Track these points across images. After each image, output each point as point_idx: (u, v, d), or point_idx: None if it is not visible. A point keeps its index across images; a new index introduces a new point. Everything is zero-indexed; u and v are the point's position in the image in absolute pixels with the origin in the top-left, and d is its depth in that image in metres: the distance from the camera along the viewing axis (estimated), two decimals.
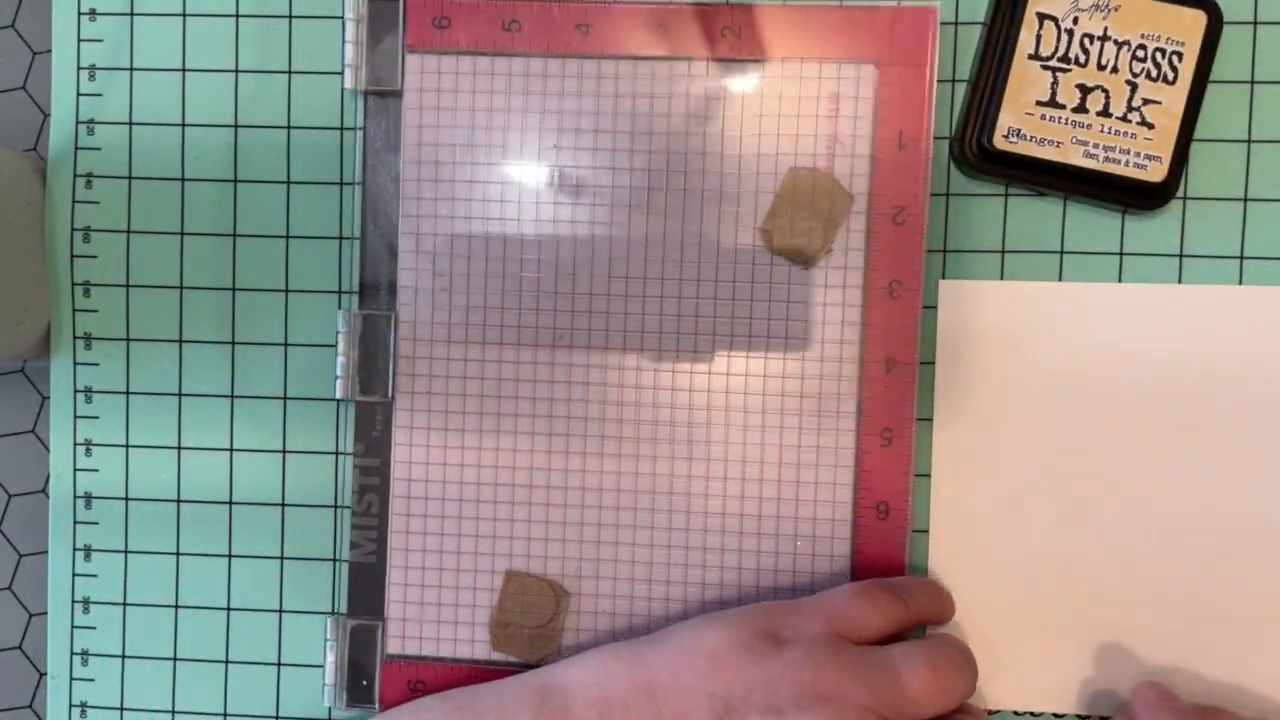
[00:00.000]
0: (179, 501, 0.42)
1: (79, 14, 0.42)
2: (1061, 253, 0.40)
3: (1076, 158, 0.38)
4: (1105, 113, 0.38)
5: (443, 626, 0.41)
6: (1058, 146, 0.38)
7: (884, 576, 0.39)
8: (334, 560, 0.42)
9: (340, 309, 0.41)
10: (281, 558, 0.42)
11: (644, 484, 0.40)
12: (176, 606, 0.42)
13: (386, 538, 0.41)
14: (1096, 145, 0.38)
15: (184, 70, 0.42)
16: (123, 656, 0.43)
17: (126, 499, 0.42)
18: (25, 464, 0.43)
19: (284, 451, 0.42)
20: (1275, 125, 0.39)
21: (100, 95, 0.42)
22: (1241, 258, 0.39)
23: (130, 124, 0.42)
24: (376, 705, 0.41)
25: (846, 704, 0.34)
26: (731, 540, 0.40)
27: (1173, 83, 0.38)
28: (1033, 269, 0.40)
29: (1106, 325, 0.39)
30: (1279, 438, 0.39)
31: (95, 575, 0.43)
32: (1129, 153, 0.38)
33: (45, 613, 0.43)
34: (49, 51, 0.42)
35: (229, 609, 0.42)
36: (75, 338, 0.42)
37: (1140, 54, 0.38)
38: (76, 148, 0.42)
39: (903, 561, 0.39)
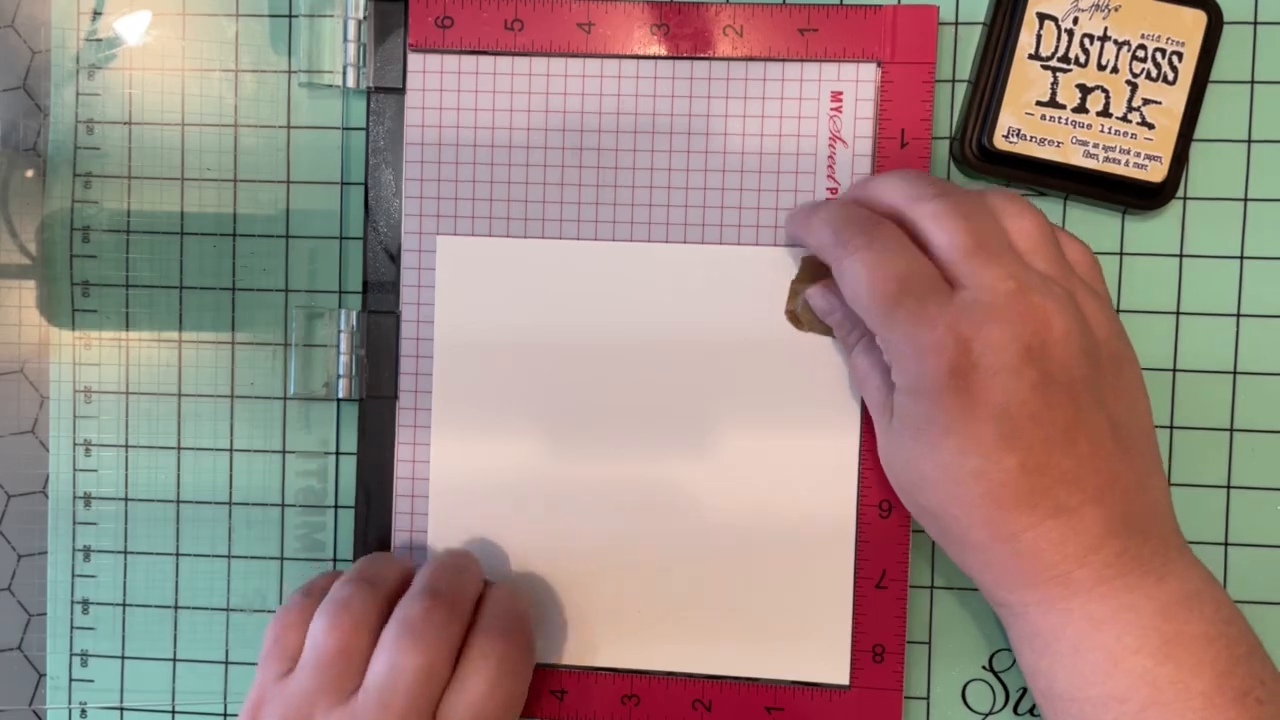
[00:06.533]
0: (178, 502, 0.42)
1: (79, 14, 0.42)
2: None
3: (1076, 158, 0.38)
4: (1105, 113, 0.38)
5: None
6: (1058, 146, 0.38)
7: (885, 575, 0.39)
8: (334, 560, 0.42)
9: (341, 309, 0.41)
10: (281, 558, 0.42)
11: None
12: (176, 607, 0.42)
13: (390, 537, 0.41)
14: (1096, 145, 0.38)
15: (184, 70, 0.42)
16: (122, 657, 0.42)
17: (126, 499, 0.42)
18: (25, 464, 0.43)
19: (284, 451, 0.42)
20: (1275, 125, 0.39)
21: (100, 95, 0.42)
22: (1241, 258, 0.39)
23: (130, 124, 0.42)
24: None
25: None
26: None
27: (1173, 83, 0.38)
28: None
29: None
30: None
31: (94, 576, 0.42)
32: (1129, 153, 0.38)
33: (44, 613, 0.43)
34: (49, 51, 0.42)
35: (229, 609, 0.42)
36: (75, 337, 0.42)
37: (1140, 54, 0.38)
38: (76, 147, 0.42)
39: (905, 559, 0.39)
